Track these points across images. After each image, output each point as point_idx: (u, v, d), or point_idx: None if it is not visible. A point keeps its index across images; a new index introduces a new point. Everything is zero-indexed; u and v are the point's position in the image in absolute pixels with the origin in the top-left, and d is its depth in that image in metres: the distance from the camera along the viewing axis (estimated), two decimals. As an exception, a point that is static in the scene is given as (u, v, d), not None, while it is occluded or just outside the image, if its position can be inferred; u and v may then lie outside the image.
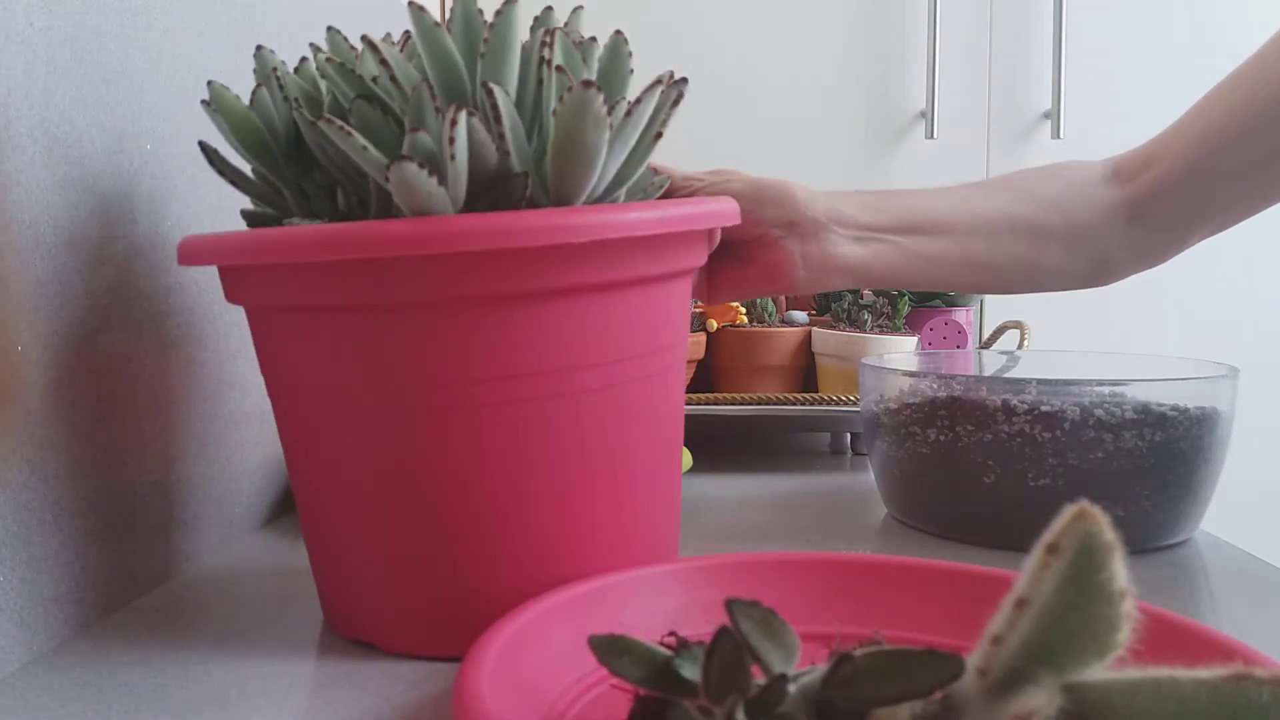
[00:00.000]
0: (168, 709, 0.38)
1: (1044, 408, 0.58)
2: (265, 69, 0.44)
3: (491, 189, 0.40)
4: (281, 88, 0.43)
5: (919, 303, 1.02)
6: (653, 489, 0.46)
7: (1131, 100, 1.39)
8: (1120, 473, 0.57)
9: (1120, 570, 0.23)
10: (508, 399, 0.40)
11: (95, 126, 0.46)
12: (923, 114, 1.40)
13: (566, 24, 0.44)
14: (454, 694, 0.32)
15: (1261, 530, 1.25)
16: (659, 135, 0.41)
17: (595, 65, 0.43)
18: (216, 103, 0.44)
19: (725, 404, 0.85)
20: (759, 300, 0.99)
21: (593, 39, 0.44)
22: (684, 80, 0.43)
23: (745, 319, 0.97)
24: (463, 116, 0.37)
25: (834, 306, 0.97)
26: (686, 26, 1.40)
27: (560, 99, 0.38)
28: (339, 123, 0.38)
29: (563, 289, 0.39)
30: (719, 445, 0.96)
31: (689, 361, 0.93)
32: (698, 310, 0.96)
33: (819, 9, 1.40)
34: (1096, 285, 0.68)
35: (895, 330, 0.95)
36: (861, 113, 1.41)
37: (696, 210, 0.44)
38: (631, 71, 0.44)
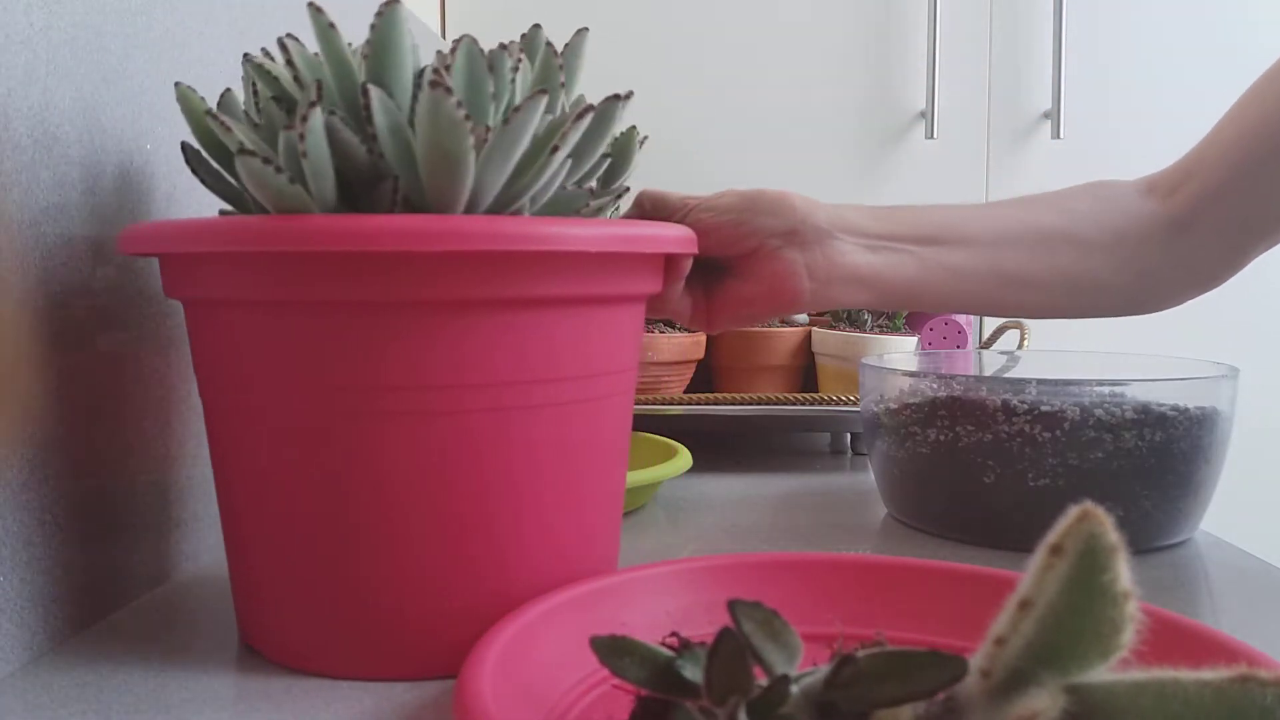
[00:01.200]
0: (168, 709, 0.38)
1: (1044, 408, 0.58)
2: (249, 75, 0.44)
3: (371, 192, 0.40)
4: (255, 90, 0.43)
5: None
6: (586, 511, 0.44)
7: (1131, 100, 1.39)
8: (1120, 473, 0.57)
9: (1124, 571, 0.23)
10: (428, 410, 0.39)
11: (95, 126, 0.46)
12: (923, 114, 1.40)
13: (525, 37, 0.44)
14: (455, 694, 0.32)
15: (1261, 530, 1.25)
16: (555, 149, 0.38)
17: (509, 74, 0.41)
18: (182, 105, 0.44)
19: (725, 404, 0.85)
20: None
21: (502, 46, 0.42)
22: (616, 98, 0.41)
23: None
24: (315, 114, 0.36)
25: (834, 306, 0.97)
26: (686, 27, 1.40)
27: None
28: (224, 119, 0.39)
29: (491, 301, 0.38)
30: (719, 445, 0.96)
31: (689, 362, 0.93)
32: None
33: (819, 9, 1.40)
34: (1148, 309, 0.63)
35: (895, 330, 0.95)
36: (861, 113, 1.41)
37: (631, 232, 0.42)
38: (562, 84, 0.43)
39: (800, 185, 0.59)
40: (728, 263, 0.56)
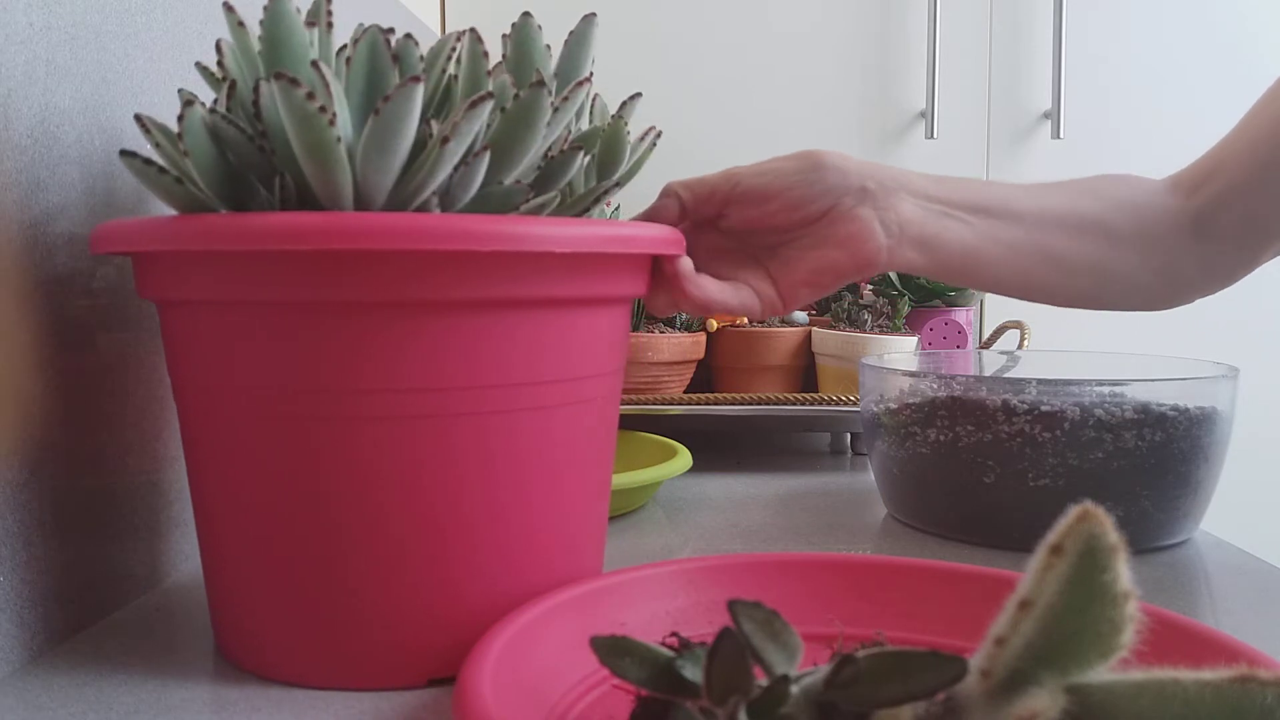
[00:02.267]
0: (168, 709, 0.38)
1: (1044, 408, 0.58)
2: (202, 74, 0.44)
3: (269, 187, 0.39)
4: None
5: (919, 302, 1.02)
6: (569, 516, 0.43)
7: (1131, 100, 1.39)
8: (1120, 473, 0.57)
9: (1124, 572, 0.23)
10: (404, 414, 0.38)
11: (95, 126, 0.46)
12: (923, 114, 1.40)
13: (515, 26, 0.43)
14: (455, 694, 0.32)
15: (1261, 530, 1.25)
16: (445, 140, 0.37)
17: (418, 65, 0.40)
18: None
19: (725, 404, 0.85)
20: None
21: (408, 35, 0.41)
22: (540, 84, 0.39)
23: (745, 319, 0.97)
24: (191, 113, 0.36)
25: (834, 307, 0.97)
26: (686, 26, 1.40)
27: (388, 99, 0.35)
28: (148, 123, 0.39)
29: (466, 302, 0.37)
30: (719, 445, 0.96)
31: (689, 362, 0.93)
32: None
33: (818, 10, 1.40)
34: (1167, 305, 0.63)
35: (895, 330, 0.94)
36: (861, 113, 1.41)
37: (608, 232, 0.40)
38: (488, 73, 0.41)
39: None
40: (795, 231, 0.54)
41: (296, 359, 0.37)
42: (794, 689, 0.27)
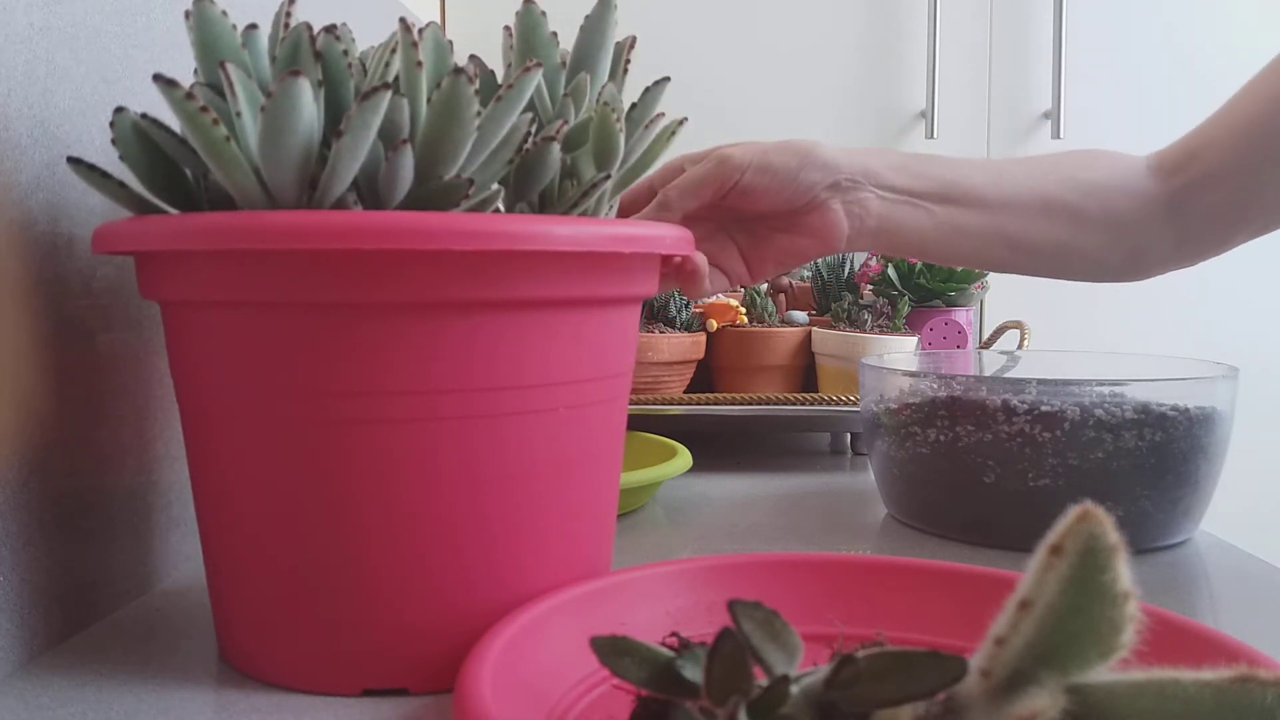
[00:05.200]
0: (168, 709, 0.38)
1: (1044, 408, 0.58)
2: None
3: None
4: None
5: (919, 303, 1.02)
6: (569, 525, 0.42)
7: (1131, 100, 1.39)
8: (1120, 473, 0.57)
9: (1124, 571, 0.23)
10: (424, 416, 0.38)
11: (95, 126, 0.46)
12: (923, 114, 1.40)
13: (519, 15, 0.42)
14: (455, 694, 0.32)
15: (1261, 530, 1.25)
16: (340, 134, 0.36)
17: (340, 60, 0.39)
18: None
19: (725, 404, 0.85)
20: (759, 300, 0.99)
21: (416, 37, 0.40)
22: (459, 71, 0.37)
23: (745, 319, 0.97)
24: (121, 119, 0.37)
25: (834, 307, 0.97)
26: (686, 26, 1.40)
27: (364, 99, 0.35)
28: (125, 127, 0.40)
29: (486, 302, 0.37)
30: (719, 445, 0.96)
31: (689, 362, 0.93)
32: (697, 310, 0.96)
33: (819, 9, 1.40)
34: (1129, 279, 0.66)
35: (895, 330, 0.94)
36: (861, 113, 1.41)
37: (638, 232, 0.40)
38: (463, 69, 0.38)
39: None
40: (774, 218, 0.58)
41: (312, 361, 0.37)
42: (794, 689, 0.27)
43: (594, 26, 0.43)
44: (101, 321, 0.47)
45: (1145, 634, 0.24)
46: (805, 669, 0.28)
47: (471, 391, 0.38)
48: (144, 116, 0.39)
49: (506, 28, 0.43)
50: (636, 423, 0.84)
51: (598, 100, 0.44)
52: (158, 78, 0.35)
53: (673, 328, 0.93)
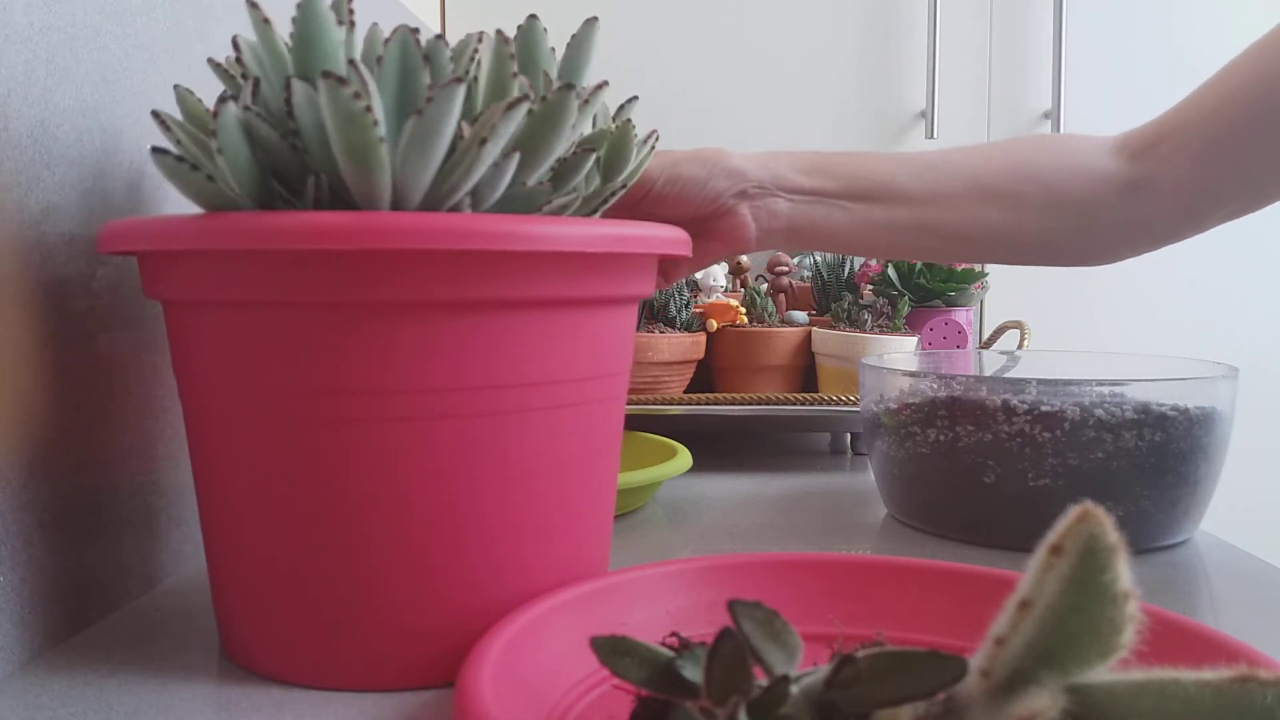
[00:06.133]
0: (167, 709, 0.38)
1: (1044, 408, 0.58)
2: (214, 71, 0.44)
3: (300, 187, 0.39)
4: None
5: (919, 303, 1.02)
6: (566, 523, 0.42)
7: (1132, 101, 1.39)
8: (1120, 473, 0.57)
9: (1124, 571, 0.23)
10: (427, 414, 0.38)
11: (95, 126, 0.46)
12: (923, 114, 1.40)
13: (521, 29, 0.43)
14: (455, 694, 0.32)
15: (1261, 530, 1.25)
16: (483, 141, 0.37)
17: (448, 66, 0.40)
18: (181, 108, 0.43)
19: (725, 404, 0.85)
20: (759, 300, 0.99)
21: (439, 36, 0.41)
22: (525, 99, 0.38)
23: (745, 319, 0.97)
24: (225, 110, 0.36)
25: (834, 306, 0.97)
26: (686, 26, 1.40)
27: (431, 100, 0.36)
28: (166, 119, 0.39)
29: (484, 302, 0.37)
30: (719, 445, 0.96)
31: (689, 362, 0.93)
32: (697, 310, 0.96)
33: (819, 9, 1.40)
34: (1096, 262, 0.65)
35: (895, 330, 0.94)
36: (861, 113, 1.41)
37: (636, 232, 0.41)
38: (571, 85, 0.40)
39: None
40: (687, 224, 0.58)
41: (314, 360, 0.37)
42: (794, 689, 0.27)
43: (579, 45, 0.44)
44: (101, 321, 0.47)
45: (1145, 634, 0.24)
46: (805, 669, 0.28)
47: (471, 390, 0.38)
48: (246, 108, 0.38)
49: (499, 31, 0.43)
50: (636, 423, 0.84)
51: (616, 116, 0.48)
52: (326, 74, 0.34)
53: (673, 328, 0.93)
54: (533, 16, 0.43)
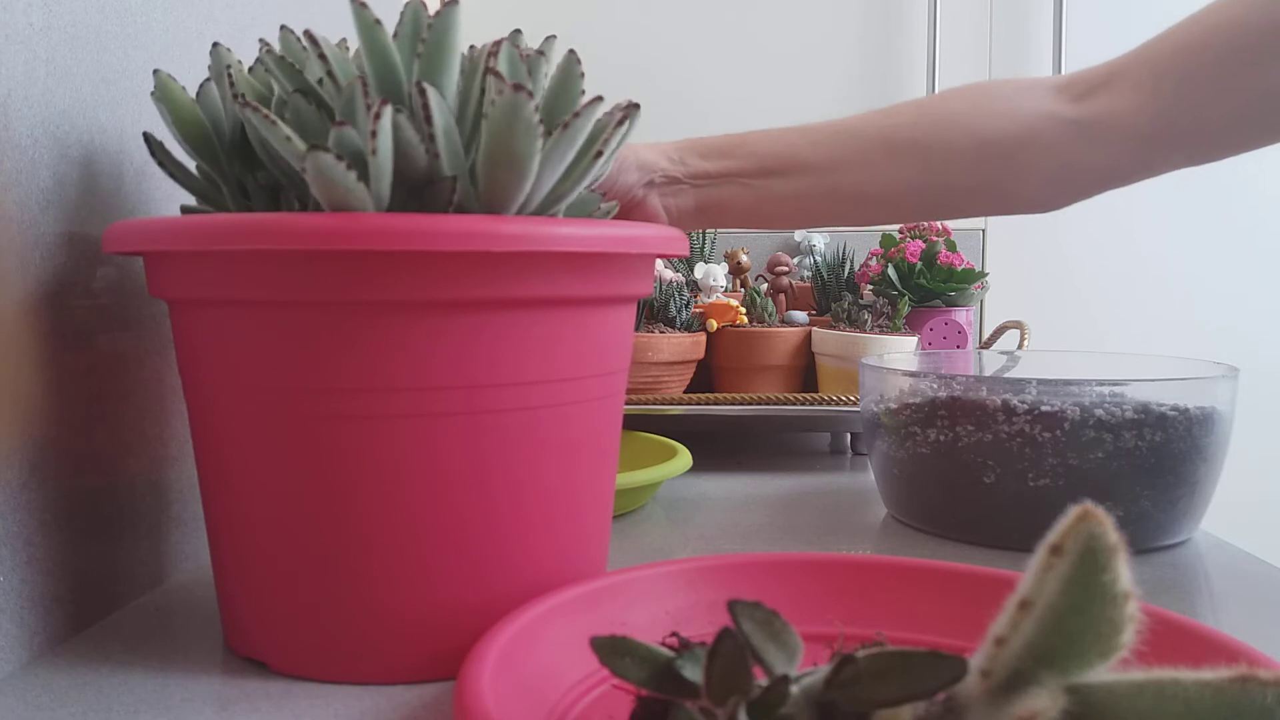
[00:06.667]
0: (168, 709, 0.38)
1: (1044, 408, 0.58)
2: (219, 65, 0.43)
3: (421, 192, 0.39)
4: (232, 84, 0.42)
5: (919, 302, 1.02)
6: (568, 519, 0.43)
7: (1131, 100, 1.39)
8: (1120, 473, 0.57)
9: (1124, 571, 0.23)
10: (432, 411, 0.38)
11: (95, 126, 0.46)
12: (922, 114, 1.40)
13: (540, 50, 0.43)
14: (455, 694, 0.32)
15: (1261, 530, 1.25)
16: (599, 154, 0.39)
17: (542, 80, 0.41)
18: (161, 93, 0.43)
19: (725, 404, 0.85)
20: (759, 300, 0.99)
21: (539, 52, 0.42)
22: (636, 106, 0.41)
23: (745, 319, 0.97)
24: (387, 111, 0.36)
25: (834, 306, 0.97)
26: (686, 26, 1.40)
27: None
28: (264, 111, 0.37)
29: (488, 301, 0.38)
30: (719, 445, 0.96)
31: (689, 362, 0.93)
32: (697, 310, 0.96)
33: (819, 9, 1.40)
34: (1045, 208, 0.63)
35: (895, 330, 0.94)
36: (861, 111, 1.41)
37: (636, 233, 0.42)
38: (583, 92, 0.42)
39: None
40: None
41: (316, 358, 0.38)
42: (794, 689, 0.27)
43: (563, 77, 0.44)
44: (101, 321, 0.47)
45: (1145, 634, 0.24)
46: (805, 669, 0.28)
47: (474, 387, 0.38)
48: (399, 111, 0.37)
49: (571, 51, 0.44)
50: (636, 423, 0.84)
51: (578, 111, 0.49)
52: (518, 87, 0.35)
53: (673, 328, 0.93)
54: (571, 52, 0.43)
